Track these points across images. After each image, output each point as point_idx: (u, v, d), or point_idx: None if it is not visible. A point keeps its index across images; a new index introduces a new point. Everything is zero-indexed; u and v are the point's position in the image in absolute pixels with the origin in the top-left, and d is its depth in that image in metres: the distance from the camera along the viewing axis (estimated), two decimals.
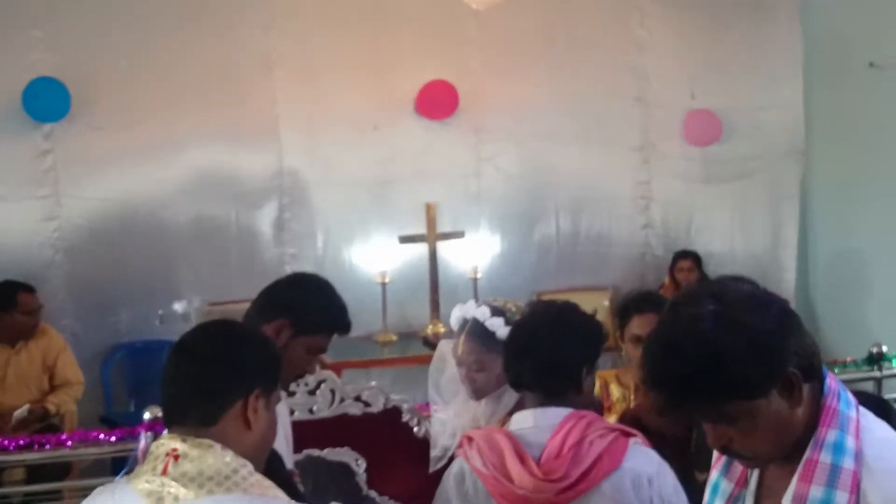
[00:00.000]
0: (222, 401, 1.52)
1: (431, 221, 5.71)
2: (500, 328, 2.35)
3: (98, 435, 3.50)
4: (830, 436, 1.39)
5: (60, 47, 5.30)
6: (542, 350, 2.05)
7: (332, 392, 3.57)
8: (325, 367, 3.77)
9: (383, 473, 3.36)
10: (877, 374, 4.56)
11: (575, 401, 2.06)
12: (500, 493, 1.95)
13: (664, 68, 6.17)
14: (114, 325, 5.51)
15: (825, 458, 1.38)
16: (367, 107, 5.86)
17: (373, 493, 3.38)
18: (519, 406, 2.30)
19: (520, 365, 2.09)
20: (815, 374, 1.40)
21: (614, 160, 6.23)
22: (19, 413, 4.33)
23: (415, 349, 5.43)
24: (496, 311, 2.40)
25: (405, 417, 3.38)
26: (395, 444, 3.36)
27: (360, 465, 3.44)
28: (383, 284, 5.68)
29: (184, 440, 1.48)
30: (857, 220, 5.86)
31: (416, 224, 5.77)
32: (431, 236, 5.75)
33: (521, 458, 1.96)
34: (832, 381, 1.44)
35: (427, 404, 3.33)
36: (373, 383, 3.68)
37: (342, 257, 5.92)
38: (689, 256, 5.95)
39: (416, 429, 3.34)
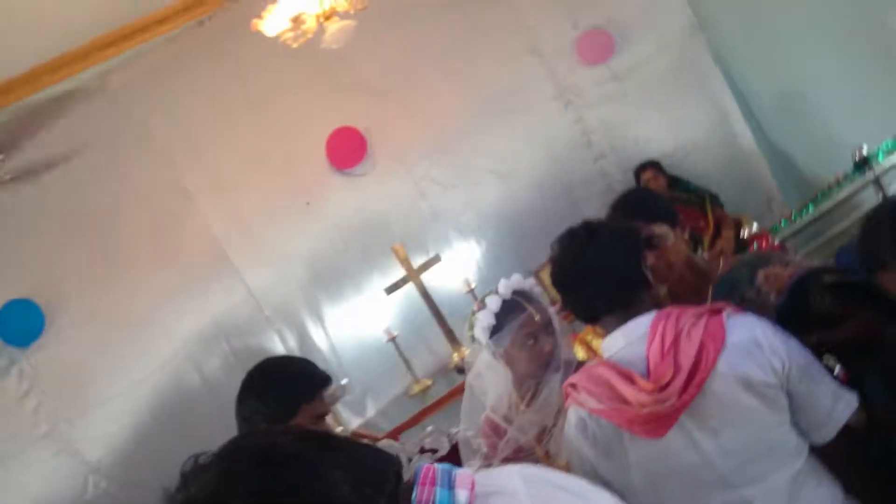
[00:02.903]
0: None
1: (406, 261, 5.63)
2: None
3: None
4: None
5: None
6: (597, 268, 1.99)
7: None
8: (375, 439, 3.67)
9: None
10: (870, 176, 4.53)
11: (651, 301, 2.01)
12: (627, 420, 1.87)
13: (541, 12, 6.16)
14: None
15: None
16: (293, 189, 5.81)
17: None
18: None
19: (585, 294, 2.02)
20: None
21: (540, 118, 6.20)
22: None
23: (453, 381, 5.32)
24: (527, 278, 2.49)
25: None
26: None
27: None
28: (393, 340, 5.59)
29: None
30: (781, 56, 5.86)
31: (393, 270, 5.69)
32: (413, 274, 5.67)
33: (630, 379, 1.88)
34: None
35: None
36: (428, 428, 3.58)
37: (347, 337, 5.82)
38: (649, 166, 5.91)
39: None
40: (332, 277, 5.80)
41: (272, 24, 3.86)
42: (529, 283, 2.44)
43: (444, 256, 5.86)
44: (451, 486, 1.18)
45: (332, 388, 2.21)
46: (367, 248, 5.86)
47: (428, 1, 5.95)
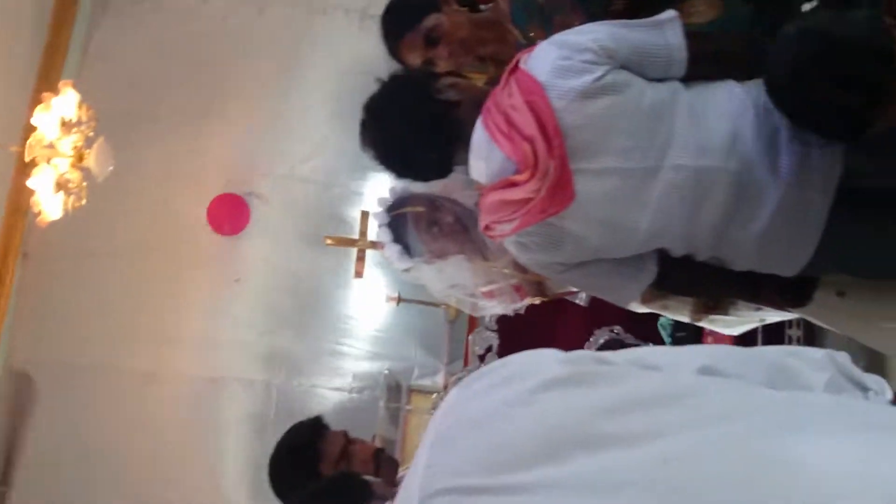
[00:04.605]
0: None
1: (344, 241, 5.57)
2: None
3: None
4: None
5: None
6: (404, 129, 1.96)
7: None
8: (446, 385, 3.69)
9: None
10: None
11: (472, 112, 1.94)
12: (540, 211, 1.81)
13: None
14: None
15: None
16: (218, 284, 5.77)
17: None
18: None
19: (417, 160, 2.00)
20: None
21: (317, 36, 5.99)
22: None
23: None
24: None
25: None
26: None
27: None
28: (399, 300, 5.58)
29: None
30: None
31: (349, 257, 5.66)
32: (362, 243, 5.60)
33: (511, 183, 1.83)
34: None
35: None
36: (469, 338, 3.64)
37: (367, 336, 5.86)
38: None
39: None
40: (311, 311, 5.80)
41: (49, 207, 3.75)
42: (391, 190, 2.47)
43: (368, 207, 5.79)
44: None
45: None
46: (313, 263, 5.81)
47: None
